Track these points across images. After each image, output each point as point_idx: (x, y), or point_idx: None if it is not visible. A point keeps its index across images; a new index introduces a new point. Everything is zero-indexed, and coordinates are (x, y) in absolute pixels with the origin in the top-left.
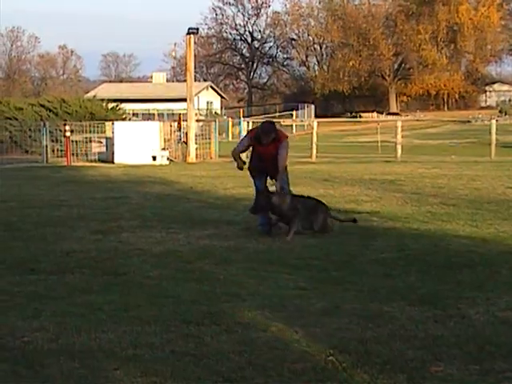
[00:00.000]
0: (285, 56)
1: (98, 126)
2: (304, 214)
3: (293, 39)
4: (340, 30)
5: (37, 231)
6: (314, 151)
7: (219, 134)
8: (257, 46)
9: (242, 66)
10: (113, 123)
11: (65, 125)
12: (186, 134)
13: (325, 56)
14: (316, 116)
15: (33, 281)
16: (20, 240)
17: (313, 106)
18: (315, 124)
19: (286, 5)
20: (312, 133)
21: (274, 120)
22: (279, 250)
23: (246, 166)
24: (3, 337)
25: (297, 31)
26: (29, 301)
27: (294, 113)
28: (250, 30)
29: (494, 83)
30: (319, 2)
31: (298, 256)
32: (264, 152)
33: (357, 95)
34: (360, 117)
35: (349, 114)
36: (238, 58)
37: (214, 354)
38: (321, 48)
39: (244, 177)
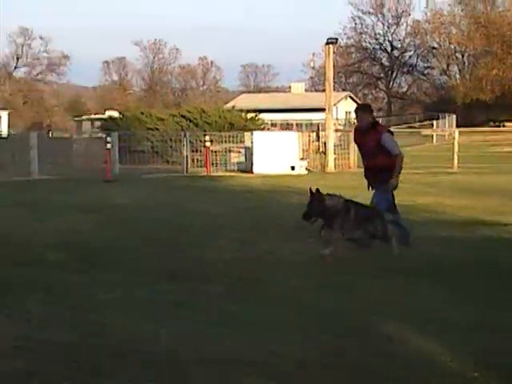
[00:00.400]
0: (425, 65)
1: (237, 136)
2: (357, 222)
3: (434, 48)
4: (483, 38)
5: (178, 240)
6: (456, 161)
7: None
8: (396, 55)
9: (381, 75)
10: (252, 133)
11: (205, 135)
12: (325, 143)
13: (467, 64)
14: (457, 126)
15: (174, 289)
16: (163, 248)
17: (454, 116)
18: (456, 134)
19: (426, 13)
20: (453, 143)
21: (414, 130)
22: (420, 261)
23: None
24: (147, 344)
25: (438, 39)
26: (171, 309)
27: (435, 122)
28: (390, 39)
29: None
30: (461, 10)
31: (438, 266)
32: (364, 144)
33: (500, 104)
34: (503, 126)
35: (492, 124)
36: (378, 67)
37: (355, 366)
38: (462, 56)
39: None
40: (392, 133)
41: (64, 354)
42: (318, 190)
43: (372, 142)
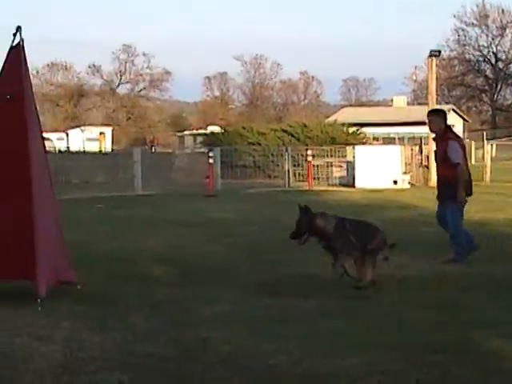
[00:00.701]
0: None
1: (338, 151)
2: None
3: None
4: None
5: (280, 255)
6: None
7: None
8: (501, 66)
9: (486, 87)
10: (353, 147)
11: (306, 149)
12: (428, 157)
13: None
14: None
15: (277, 304)
16: (264, 263)
17: None
18: None
19: None
20: None
21: None
22: None
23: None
24: (249, 359)
25: None
26: (273, 324)
27: None
28: (494, 51)
29: None
30: None
31: None
32: (435, 152)
33: None
34: None
35: None
36: (481, 79)
37: (460, 383)
38: None
39: (491, 201)
40: (460, 143)
41: (168, 368)
42: (306, 206)
43: (441, 149)
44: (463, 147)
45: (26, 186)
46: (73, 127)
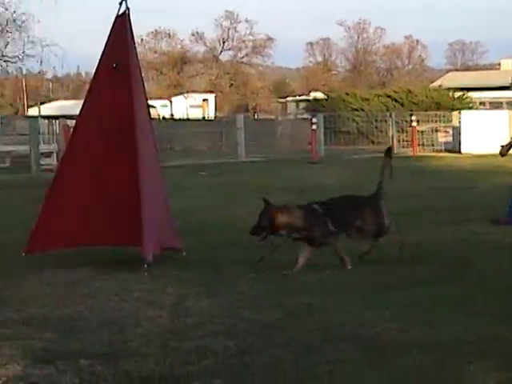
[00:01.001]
0: None
1: (444, 116)
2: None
3: None
4: None
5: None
6: None
7: None
8: None
9: None
10: (459, 112)
11: (411, 115)
12: None
13: None
14: None
15: (382, 271)
16: None
17: None
18: None
19: None
20: None
21: None
22: None
23: None
24: (354, 326)
25: None
26: (379, 291)
27: None
28: None
29: None
30: None
31: None
32: None
33: None
34: None
35: None
36: None
37: None
38: None
39: None
40: None
41: (274, 334)
42: (265, 199)
43: None
44: None
45: (132, 152)
46: (176, 94)
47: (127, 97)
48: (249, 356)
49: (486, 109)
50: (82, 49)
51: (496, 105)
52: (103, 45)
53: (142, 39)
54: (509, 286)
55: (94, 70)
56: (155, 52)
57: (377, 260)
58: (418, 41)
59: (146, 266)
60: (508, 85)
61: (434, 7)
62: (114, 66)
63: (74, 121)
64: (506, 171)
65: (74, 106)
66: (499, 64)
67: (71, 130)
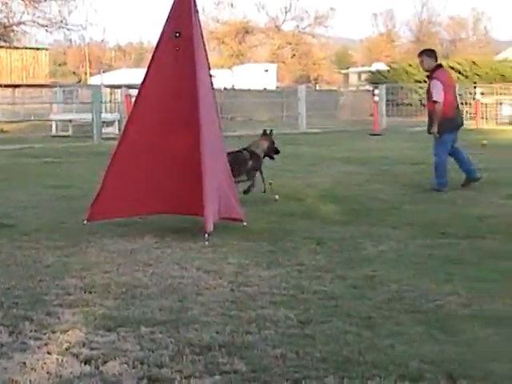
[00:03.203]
0: None
1: (509, 89)
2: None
3: None
4: None
5: (447, 194)
6: None
7: None
8: None
9: None
10: None
11: (475, 87)
12: None
13: None
14: None
15: (444, 244)
16: (431, 202)
17: None
18: None
19: None
20: None
21: None
22: None
23: None
24: (416, 299)
25: None
26: (440, 264)
27: None
28: None
29: None
30: None
31: None
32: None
33: None
34: None
35: None
36: None
37: None
38: None
39: None
40: (444, 81)
41: (335, 305)
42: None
43: (428, 86)
44: (450, 83)
45: (195, 122)
46: (238, 64)
47: (190, 66)
48: (309, 327)
49: None
50: (145, 17)
51: None
52: (166, 14)
53: (203, 8)
54: None
55: (156, 39)
56: (217, 21)
57: (438, 233)
58: (483, 12)
59: (206, 235)
60: None
61: None
62: (177, 34)
63: (137, 90)
64: None
65: (136, 75)
66: None
67: (133, 99)
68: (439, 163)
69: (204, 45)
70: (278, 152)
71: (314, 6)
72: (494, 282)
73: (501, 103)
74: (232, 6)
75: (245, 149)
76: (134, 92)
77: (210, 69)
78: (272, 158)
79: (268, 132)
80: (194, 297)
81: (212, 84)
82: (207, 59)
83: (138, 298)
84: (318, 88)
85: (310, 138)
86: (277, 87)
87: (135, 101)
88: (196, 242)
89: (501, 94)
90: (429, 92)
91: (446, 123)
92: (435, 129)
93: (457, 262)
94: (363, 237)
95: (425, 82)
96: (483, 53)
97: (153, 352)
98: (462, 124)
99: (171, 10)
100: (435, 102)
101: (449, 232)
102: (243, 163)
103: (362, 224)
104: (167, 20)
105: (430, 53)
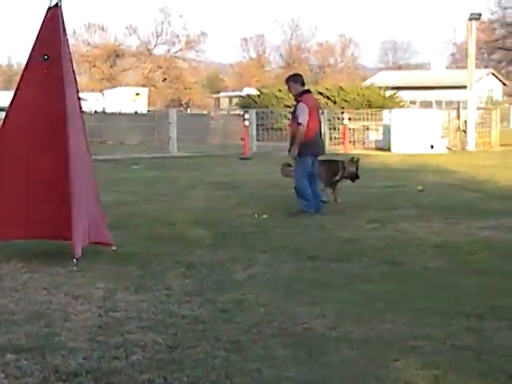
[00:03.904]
0: None
1: (375, 114)
2: None
3: None
4: None
5: (315, 219)
6: None
7: (500, 121)
8: None
9: None
10: (390, 111)
11: (343, 113)
12: (466, 122)
13: None
14: None
15: (312, 268)
16: (299, 227)
17: None
18: None
19: None
20: None
21: None
22: None
23: None
24: (284, 322)
25: None
26: (309, 288)
27: None
28: None
29: None
30: None
31: None
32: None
33: None
34: None
35: None
36: None
37: (496, 349)
38: None
39: None
40: (310, 106)
41: (204, 330)
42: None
43: (295, 109)
44: (315, 109)
45: (62, 146)
46: (109, 88)
47: (58, 88)
48: (177, 351)
49: (417, 108)
50: (13, 39)
51: (426, 104)
52: (35, 36)
53: (74, 31)
54: (438, 284)
55: (25, 61)
56: (88, 44)
57: (307, 257)
58: (351, 39)
59: (75, 260)
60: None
61: (367, 6)
62: (46, 57)
63: (4, 112)
64: (434, 170)
65: (5, 98)
66: (430, 64)
67: (1, 121)
68: (299, 186)
69: (73, 67)
70: (357, 178)
71: (186, 31)
72: (360, 304)
73: (368, 128)
74: (103, 29)
75: (342, 161)
76: (2, 114)
77: (79, 92)
78: (352, 181)
79: (355, 159)
80: (62, 322)
81: (81, 107)
82: (76, 82)
83: (3, 325)
84: (189, 112)
85: (182, 162)
86: (148, 111)
87: (3, 123)
88: (64, 267)
89: (367, 119)
90: (294, 114)
91: (307, 147)
92: (295, 151)
93: (325, 285)
94: (232, 261)
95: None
96: (351, 79)
97: (18, 379)
98: (323, 152)
99: (40, 32)
100: (299, 124)
101: (317, 255)
102: (337, 170)
103: (231, 248)
104: (35, 42)
105: (296, 78)
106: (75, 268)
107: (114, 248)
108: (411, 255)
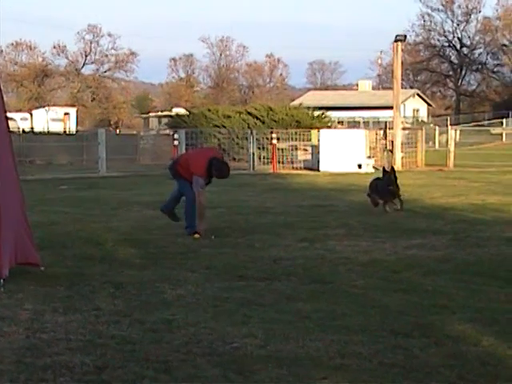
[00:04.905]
0: (495, 62)
1: (303, 134)
2: None
3: (504, 45)
4: None
5: (244, 238)
6: None
7: (426, 142)
8: (466, 52)
9: (450, 73)
10: (318, 131)
11: (271, 132)
12: (392, 142)
13: None
14: None
15: (241, 287)
16: (228, 246)
17: None
18: None
19: (497, 10)
20: None
21: (483, 128)
22: (489, 262)
23: None
24: (214, 342)
25: (508, 37)
26: (238, 307)
27: (504, 121)
28: (459, 37)
29: None
30: None
31: (509, 268)
32: None
33: None
34: None
35: None
36: (446, 65)
37: (423, 367)
38: None
39: (454, 186)
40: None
41: (133, 350)
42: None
43: None
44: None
45: None
46: (37, 107)
47: None
48: (106, 372)
49: (344, 128)
50: None
51: (353, 124)
52: None
53: (1, 50)
54: (365, 302)
55: None
56: (16, 64)
57: (236, 276)
58: (279, 59)
59: (1, 280)
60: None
61: (295, 27)
62: None
63: None
64: (361, 190)
65: None
66: (357, 84)
67: None
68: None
69: (0, 87)
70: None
71: (115, 51)
72: (288, 323)
73: (296, 148)
74: (31, 48)
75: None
76: None
77: (6, 111)
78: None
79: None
80: None
81: (9, 127)
82: (3, 101)
83: None
84: (118, 132)
85: (111, 182)
86: (77, 131)
87: None
88: None
89: (296, 139)
90: None
91: None
92: None
93: (254, 304)
94: (162, 280)
95: (223, 126)
96: (280, 99)
97: None
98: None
99: None
100: None
101: (246, 274)
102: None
103: (160, 268)
104: None
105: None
106: (2, 289)
107: (43, 268)
108: (339, 274)
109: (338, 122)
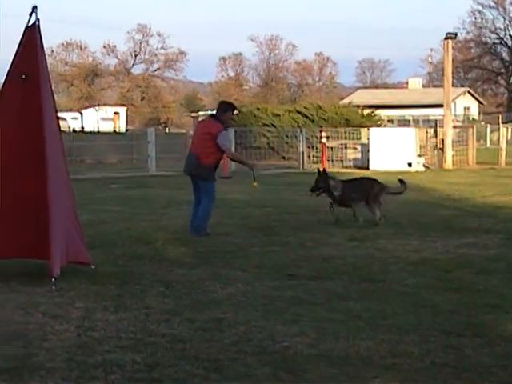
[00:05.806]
0: None
1: (353, 133)
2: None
3: None
4: None
5: (295, 236)
6: None
7: (477, 140)
8: None
9: (502, 70)
10: (368, 129)
11: (321, 131)
12: (443, 140)
13: None
14: None
15: (292, 286)
16: (278, 245)
17: None
18: None
19: None
20: None
21: None
22: None
23: None
24: (264, 340)
25: None
26: (288, 306)
27: None
28: (511, 34)
29: None
30: None
31: None
32: None
33: None
34: None
35: None
36: (498, 62)
37: (476, 367)
38: None
39: (506, 184)
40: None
41: (183, 348)
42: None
43: None
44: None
45: (41, 165)
46: (87, 107)
47: (36, 108)
48: (157, 370)
49: (394, 126)
50: None
51: (403, 122)
52: (13, 55)
53: (52, 50)
54: (416, 301)
55: (3, 80)
56: (66, 64)
57: (287, 275)
58: (328, 58)
59: (53, 279)
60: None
61: (345, 25)
62: (24, 77)
63: None
64: (411, 188)
65: None
66: (407, 82)
67: None
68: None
69: (51, 87)
70: None
71: (164, 50)
72: (339, 322)
73: (346, 147)
74: (81, 48)
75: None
76: None
77: (57, 111)
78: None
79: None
80: (40, 342)
81: (59, 126)
82: (54, 101)
83: None
84: (167, 131)
85: (160, 181)
86: (127, 130)
87: None
88: (42, 287)
89: (346, 137)
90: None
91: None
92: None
93: (305, 303)
94: (211, 279)
95: (273, 125)
96: (329, 97)
97: None
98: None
99: (18, 51)
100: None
101: (297, 273)
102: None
103: (210, 266)
104: (13, 61)
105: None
106: (54, 287)
107: (93, 267)
108: (390, 273)
109: (388, 121)
